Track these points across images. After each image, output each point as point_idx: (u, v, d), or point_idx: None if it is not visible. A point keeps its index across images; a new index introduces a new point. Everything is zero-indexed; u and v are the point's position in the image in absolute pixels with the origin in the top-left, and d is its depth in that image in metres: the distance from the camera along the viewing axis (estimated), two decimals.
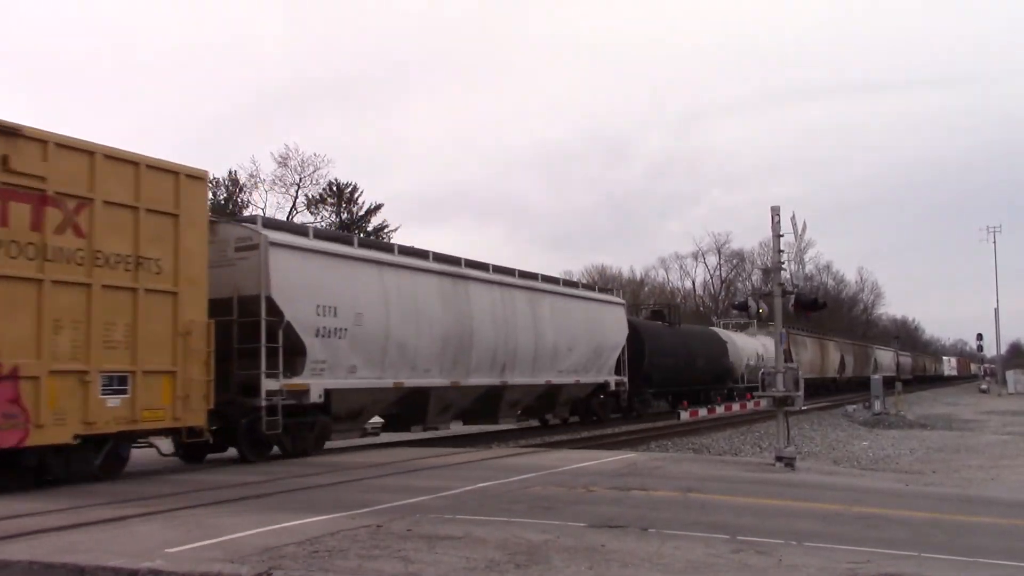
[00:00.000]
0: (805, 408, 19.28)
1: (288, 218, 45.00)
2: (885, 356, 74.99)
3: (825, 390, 53.05)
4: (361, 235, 43.54)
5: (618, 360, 27.15)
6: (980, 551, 7.63)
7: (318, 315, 15.29)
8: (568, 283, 25.53)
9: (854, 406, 39.98)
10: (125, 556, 6.54)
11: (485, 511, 8.88)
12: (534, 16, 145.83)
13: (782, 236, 15.22)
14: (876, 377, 39.29)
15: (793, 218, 15.53)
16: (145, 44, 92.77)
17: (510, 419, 23.07)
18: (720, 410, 32.78)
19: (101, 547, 6.96)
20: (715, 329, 42.64)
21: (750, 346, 42.59)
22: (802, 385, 14.87)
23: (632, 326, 28.74)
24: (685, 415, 29.50)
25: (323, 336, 15.41)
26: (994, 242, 78.48)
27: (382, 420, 19.50)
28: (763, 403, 16.62)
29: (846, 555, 6.93)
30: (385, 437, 20.07)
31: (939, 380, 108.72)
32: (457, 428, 22.76)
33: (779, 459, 14.63)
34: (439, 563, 6.42)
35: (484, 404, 21.21)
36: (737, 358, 39.88)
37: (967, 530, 9.17)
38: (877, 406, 35.89)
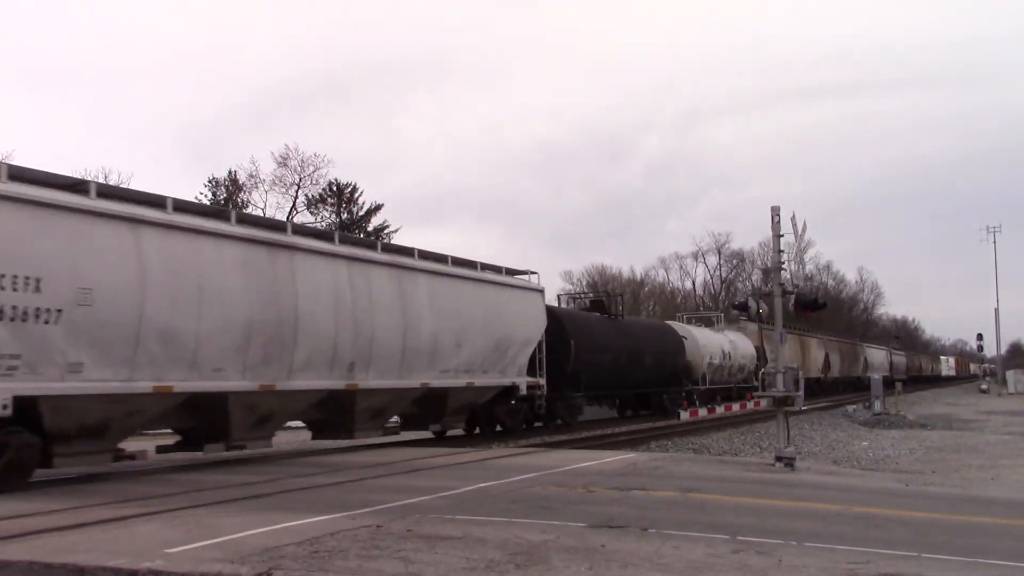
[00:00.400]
0: (805, 408, 19.28)
1: (288, 218, 44.82)
2: (877, 355, 73.34)
3: (807, 391, 50.07)
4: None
5: (534, 358, 22.63)
6: (980, 551, 7.62)
7: (1, 289, 10.92)
8: (460, 262, 20.36)
9: (854, 406, 39.97)
10: (125, 556, 6.53)
11: (485, 511, 8.89)
12: (534, 16, 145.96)
13: (782, 236, 15.25)
14: (876, 377, 39.26)
15: (793, 218, 15.58)
16: (145, 44, 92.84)
17: (373, 430, 17.89)
18: (720, 410, 32.77)
19: (101, 547, 6.96)
20: (671, 323, 37.89)
21: (714, 342, 37.31)
22: (802, 385, 14.89)
23: (554, 317, 24.42)
24: (685, 415, 29.44)
25: (11, 320, 11.00)
26: (994, 242, 78.67)
27: (179, 435, 14.98)
28: (763, 403, 16.61)
29: (846, 555, 6.94)
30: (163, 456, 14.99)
31: (937, 380, 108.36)
32: (293, 442, 18.84)
33: (779, 459, 14.65)
34: (439, 563, 6.42)
35: (331, 412, 16.67)
36: (697, 356, 34.93)
37: (967, 530, 9.17)
38: (877, 406, 35.93)
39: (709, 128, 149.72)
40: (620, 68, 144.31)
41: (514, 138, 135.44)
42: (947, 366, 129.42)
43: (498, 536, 7.44)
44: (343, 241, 17.17)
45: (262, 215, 41.49)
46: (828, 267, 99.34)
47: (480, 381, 20.26)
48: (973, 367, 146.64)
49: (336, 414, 16.75)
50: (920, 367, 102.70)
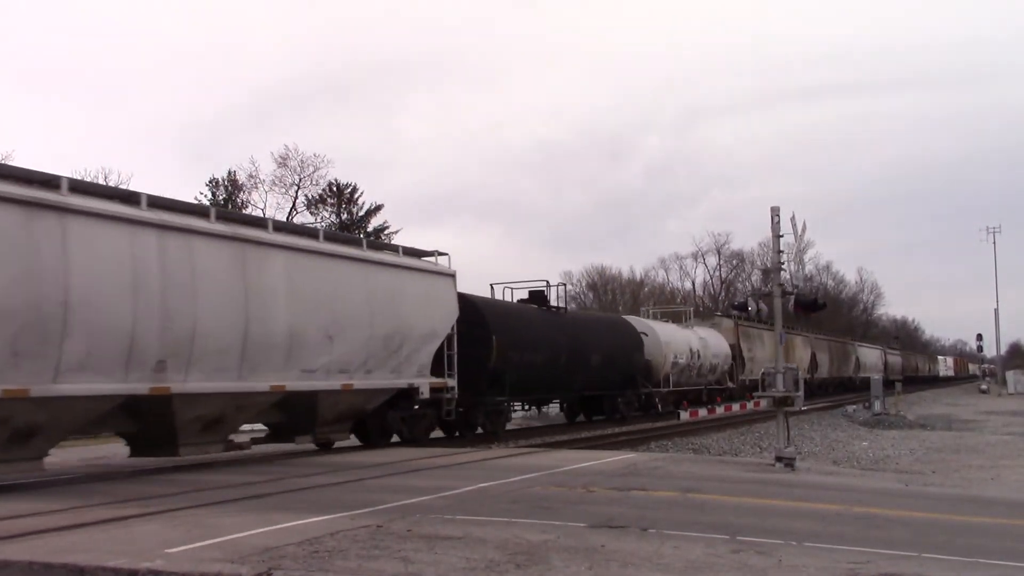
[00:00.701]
0: (805, 408, 19.25)
1: (288, 218, 44.85)
2: (871, 355, 72.09)
3: None
4: (361, 235, 43.45)
5: (442, 355, 18.74)
6: (980, 551, 7.62)
7: None
8: (337, 237, 16.96)
9: (854, 406, 40.00)
10: (125, 556, 6.53)
11: (485, 511, 8.88)
12: (534, 16, 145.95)
13: (782, 236, 15.25)
14: (876, 377, 39.32)
15: (793, 218, 15.58)
16: (145, 44, 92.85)
17: (211, 445, 14.02)
18: (720, 410, 32.84)
19: (101, 547, 6.96)
20: (629, 318, 33.43)
21: (679, 339, 33.02)
22: (802, 385, 14.90)
23: (471, 307, 20.48)
24: (685, 415, 29.51)
25: None
26: (994, 242, 78.87)
27: None
28: (763, 403, 16.62)
29: (846, 555, 6.93)
30: None
31: (935, 381, 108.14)
32: (71, 460, 15.48)
33: (779, 459, 14.65)
34: (439, 563, 6.42)
35: (145, 424, 13.15)
36: (658, 354, 30.72)
37: (967, 530, 9.17)
38: (877, 406, 36.00)
39: (709, 128, 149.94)
40: (620, 68, 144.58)
41: (514, 138, 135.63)
42: (944, 366, 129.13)
43: (498, 536, 7.44)
44: (155, 205, 13.08)
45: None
46: (828, 267, 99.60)
47: (362, 383, 16.42)
48: (972, 367, 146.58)
49: (152, 425, 13.19)
50: (916, 367, 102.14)
